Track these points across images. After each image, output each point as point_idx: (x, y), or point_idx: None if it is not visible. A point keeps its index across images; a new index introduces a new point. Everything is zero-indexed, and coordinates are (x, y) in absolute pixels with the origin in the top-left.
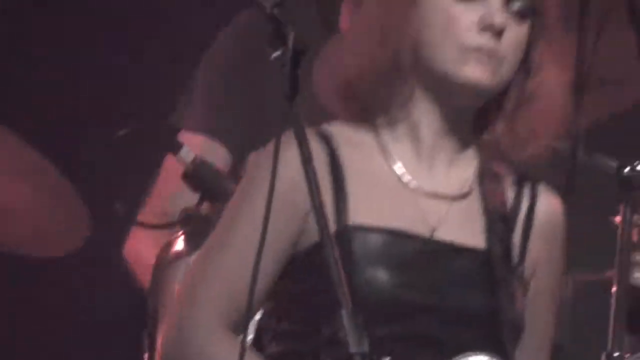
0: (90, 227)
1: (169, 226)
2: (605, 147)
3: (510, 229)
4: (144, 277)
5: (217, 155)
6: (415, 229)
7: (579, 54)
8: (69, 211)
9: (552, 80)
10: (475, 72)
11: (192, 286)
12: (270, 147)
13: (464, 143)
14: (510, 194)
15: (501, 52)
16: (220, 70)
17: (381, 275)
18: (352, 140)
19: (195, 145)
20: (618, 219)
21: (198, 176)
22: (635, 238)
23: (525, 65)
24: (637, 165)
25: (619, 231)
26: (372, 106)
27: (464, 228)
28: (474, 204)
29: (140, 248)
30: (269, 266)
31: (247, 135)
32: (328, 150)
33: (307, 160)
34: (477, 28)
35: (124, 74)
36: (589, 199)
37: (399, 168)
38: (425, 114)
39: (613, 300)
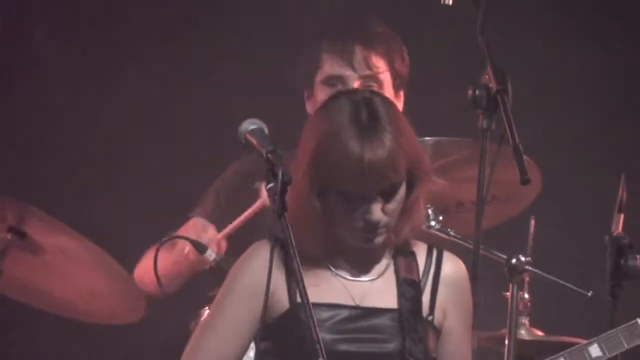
0: (147, 303)
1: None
2: (497, 243)
3: (419, 290)
4: (152, 286)
5: (209, 229)
6: (343, 301)
7: (479, 181)
8: (129, 292)
9: (419, 195)
10: (375, 245)
11: (190, 353)
12: (243, 257)
13: (381, 247)
14: (421, 263)
15: (381, 231)
16: (222, 190)
17: (323, 334)
18: (300, 245)
19: (199, 222)
20: (508, 294)
21: (218, 267)
22: (520, 307)
23: (407, 198)
24: (520, 257)
25: (509, 302)
26: (309, 228)
27: (382, 296)
28: (390, 277)
29: (145, 264)
30: (244, 334)
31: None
32: (284, 253)
33: (293, 256)
34: (362, 228)
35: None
36: (486, 280)
37: (332, 267)
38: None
39: (506, 350)
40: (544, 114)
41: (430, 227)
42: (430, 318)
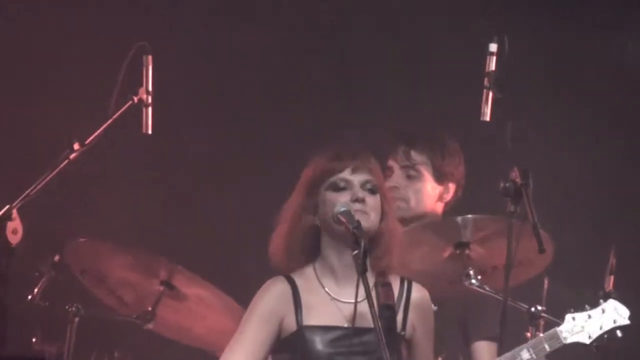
0: None
1: None
2: (520, 296)
3: (394, 312)
4: None
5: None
6: (338, 323)
7: (508, 250)
8: None
9: (395, 226)
10: (366, 221)
11: None
12: (262, 289)
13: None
14: (396, 290)
15: (367, 210)
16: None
17: (322, 350)
18: (303, 278)
19: None
20: (529, 334)
21: None
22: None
23: (381, 223)
24: (537, 306)
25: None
26: (303, 258)
27: (366, 318)
28: (372, 302)
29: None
30: (263, 349)
31: None
32: (292, 285)
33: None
34: (350, 201)
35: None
36: (512, 325)
37: (327, 290)
38: (333, 256)
39: None
40: (558, 199)
41: (471, 284)
42: (402, 333)
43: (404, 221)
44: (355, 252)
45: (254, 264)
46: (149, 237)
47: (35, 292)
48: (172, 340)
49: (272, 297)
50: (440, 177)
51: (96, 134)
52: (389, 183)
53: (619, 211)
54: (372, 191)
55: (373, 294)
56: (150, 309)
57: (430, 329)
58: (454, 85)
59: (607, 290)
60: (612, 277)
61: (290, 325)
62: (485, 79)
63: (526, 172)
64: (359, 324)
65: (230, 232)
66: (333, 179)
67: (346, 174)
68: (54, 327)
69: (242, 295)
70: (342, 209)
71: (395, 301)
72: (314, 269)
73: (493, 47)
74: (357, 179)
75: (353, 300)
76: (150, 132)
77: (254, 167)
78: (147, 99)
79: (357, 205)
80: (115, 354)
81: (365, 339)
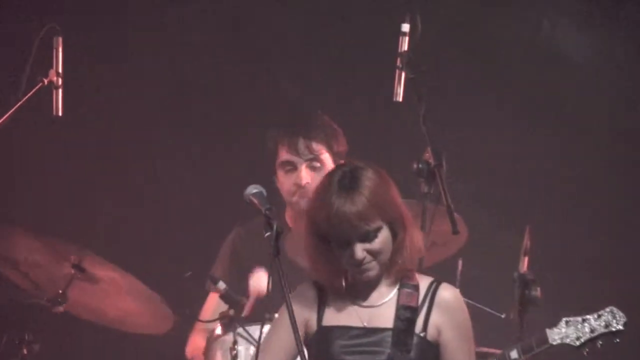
0: (172, 320)
1: (213, 321)
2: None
3: (415, 313)
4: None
5: (220, 286)
6: (353, 323)
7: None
8: (158, 311)
9: (413, 234)
10: (368, 277)
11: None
12: (291, 295)
13: (383, 276)
14: (422, 292)
15: (369, 267)
16: (228, 255)
17: (338, 347)
18: (328, 284)
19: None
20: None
21: (227, 296)
22: None
23: (395, 240)
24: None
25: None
26: (331, 270)
27: (383, 318)
28: (392, 303)
29: (196, 340)
30: (286, 353)
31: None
32: (318, 290)
33: (284, 288)
34: (350, 265)
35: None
36: None
37: (351, 297)
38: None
39: None
40: (473, 182)
41: None
42: (422, 334)
43: None
44: (268, 233)
45: (167, 249)
46: (58, 221)
47: None
48: (85, 323)
49: (295, 303)
50: (337, 158)
51: (5, 116)
52: (297, 181)
53: (533, 191)
54: (375, 236)
55: (395, 296)
56: (61, 291)
57: (461, 330)
58: (366, 66)
59: (522, 271)
60: (526, 258)
61: (312, 327)
62: (398, 60)
63: (439, 153)
64: (374, 324)
65: (141, 217)
66: (332, 241)
67: (345, 236)
68: None
69: (153, 279)
70: (254, 191)
71: (419, 303)
72: (339, 279)
73: (405, 27)
74: (356, 237)
75: (371, 304)
76: (60, 114)
77: (169, 149)
78: (57, 81)
79: (356, 269)
80: (26, 337)
81: (377, 339)
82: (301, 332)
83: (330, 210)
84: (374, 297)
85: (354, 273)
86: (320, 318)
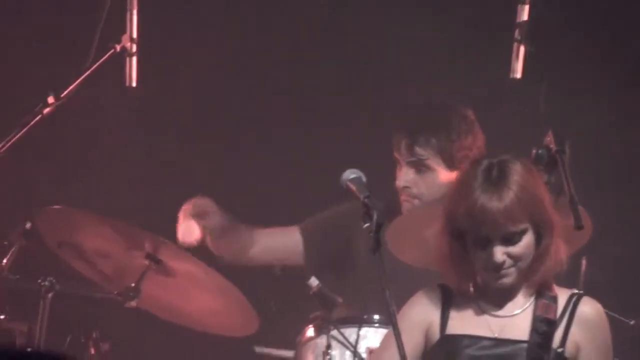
0: (258, 321)
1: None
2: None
3: (553, 327)
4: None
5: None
6: (481, 333)
7: None
8: (241, 312)
9: (559, 242)
10: (503, 284)
11: None
12: (412, 299)
13: (520, 285)
14: (561, 305)
15: (508, 273)
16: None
17: (467, 358)
18: (457, 287)
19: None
20: None
21: (320, 294)
22: None
23: (538, 246)
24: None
25: None
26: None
27: (518, 330)
28: (528, 314)
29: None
30: (411, 354)
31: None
32: (445, 295)
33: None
34: (489, 270)
35: None
36: None
37: (481, 305)
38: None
39: None
40: (599, 170)
41: None
42: (560, 350)
43: None
44: (367, 224)
45: None
46: (131, 207)
47: (3, 263)
48: (157, 320)
49: (415, 307)
50: (452, 164)
51: (72, 86)
52: (399, 182)
53: None
54: (519, 238)
55: (532, 306)
56: (133, 285)
57: (601, 350)
58: (480, 38)
59: None
60: None
61: (435, 335)
62: (516, 31)
63: (562, 137)
64: (506, 335)
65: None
66: (469, 239)
67: (486, 235)
68: (25, 304)
69: (237, 275)
70: (352, 176)
71: (558, 316)
72: (469, 288)
73: None
74: (498, 238)
75: (503, 313)
76: (134, 85)
77: (251, 131)
78: (131, 47)
79: (492, 274)
80: (94, 335)
81: (509, 351)
82: (421, 338)
83: (473, 204)
84: (508, 306)
85: (487, 278)
86: (444, 325)
